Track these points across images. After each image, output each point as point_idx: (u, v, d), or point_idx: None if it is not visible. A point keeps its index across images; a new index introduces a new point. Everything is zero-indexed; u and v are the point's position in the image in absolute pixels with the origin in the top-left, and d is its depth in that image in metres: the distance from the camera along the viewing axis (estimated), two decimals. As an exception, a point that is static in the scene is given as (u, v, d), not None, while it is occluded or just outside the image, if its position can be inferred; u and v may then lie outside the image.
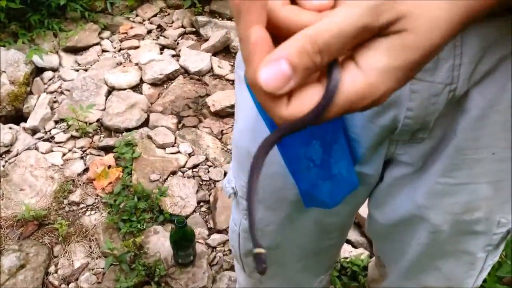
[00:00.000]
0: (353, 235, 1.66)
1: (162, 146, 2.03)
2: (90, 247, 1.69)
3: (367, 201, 0.80)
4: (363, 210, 0.86)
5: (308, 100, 0.32)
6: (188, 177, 1.93)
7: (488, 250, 0.72)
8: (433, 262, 0.76)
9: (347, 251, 1.61)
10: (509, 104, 0.54)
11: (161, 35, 2.72)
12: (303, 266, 0.92)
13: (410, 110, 0.55)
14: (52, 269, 1.64)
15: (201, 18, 2.72)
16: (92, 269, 1.62)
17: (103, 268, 1.61)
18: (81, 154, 2.03)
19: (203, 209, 1.83)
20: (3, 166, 1.96)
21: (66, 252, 1.68)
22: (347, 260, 1.57)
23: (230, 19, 2.81)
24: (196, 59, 2.46)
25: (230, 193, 0.83)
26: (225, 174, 1.92)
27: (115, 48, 2.62)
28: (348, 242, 1.64)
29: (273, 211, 0.77)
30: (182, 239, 1.50)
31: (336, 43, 0.29)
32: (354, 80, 0.31)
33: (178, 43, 2.65)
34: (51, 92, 2.33)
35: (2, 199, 1.83)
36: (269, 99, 0.32)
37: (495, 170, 0.61)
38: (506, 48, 0.50)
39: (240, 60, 0.71)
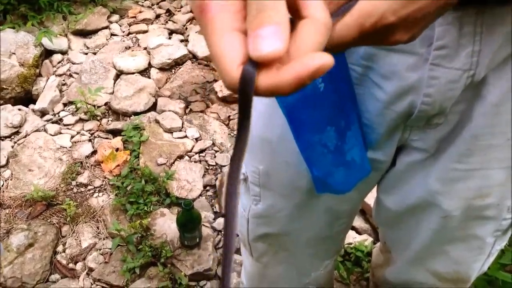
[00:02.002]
0: (357, 221, 1.67)
1: (170, 131, 2.05)
2: (98, 227, 1.72)
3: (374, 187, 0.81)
4: (368, 197, 0.86)
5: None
6: (195, 162, 1.94)
7: (496, 235, 0.73)
8: (442, 247, 0.77)
9: (351, 237, 1.62)
10: None
11: (169, 20, 2.72)
12: (311, 252, 0.93)
13: (428, 96, 0.55)
14: (60, 248, 1.67)
15: (210, 4, 2.71)
16: (100, 249, 1.65)
17: (110, 249, 1.64)
18: (89, 137, 2.05)
19: (209, 193, 1.85)
20: (12, 147, 1.98)
21: (74, 232, 1.70)
22: (351, 246, 1.59)
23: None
24: (205, 44, 2.45)
25: (240, 179, 0.84)
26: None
27: (123, 32, 2.63)
28: (352, 228, 1.66)
29: (285, 198, 0.78)
30: (189, 221, 1.52)
31: None
32: (360, 2, 0.35)
33: (186, 28, 2.65)
34: (60, 75, 2.34)
35: (11, 179, 1.86)
36: None
37: (509, 156, 0.61)
38: None
39: None
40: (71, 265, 1.62)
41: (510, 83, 0.54)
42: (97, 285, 1.56)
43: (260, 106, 0.71)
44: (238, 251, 1.62)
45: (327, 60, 0.28)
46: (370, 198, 1.12)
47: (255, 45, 0.27)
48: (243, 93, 0.28)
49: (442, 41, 0.50)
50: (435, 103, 0.56)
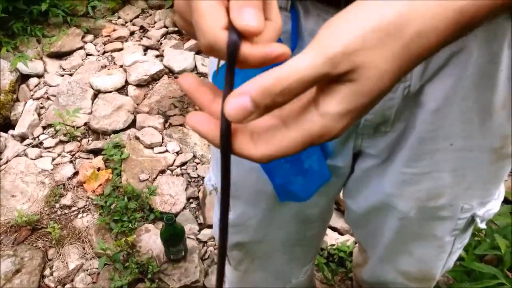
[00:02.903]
0: (339, 222, 1.70)
1: (150, 146, 2.07)
2: (84, 248, 1.73)
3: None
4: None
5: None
6: (177, 175, 1.96)
7: (455, 234, 0.77)
8: (405, 247, 0.81)
9: (333, 238, 1.66)
10: (463, 96, 0.58)
11: (144, 36, 2.74)
12: (287, 257, 0.95)
13: None
14: (47, 272, 1.68)
15: (183, 17, 2.74)
16: (87, 270, 1.66)
17: (97, 268, 1.65)
18: (70, 158, 2.06)
19: (193, 205, 1.87)
20: (-6, 174, 1.99)
21: (60, 254, 1.71)
22: (334, 247, 1.62)
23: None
24: (180, 58, 2.49)
25: (210, 190, 0.87)
26: (212, 170, 1.96)
27: (99, 51, 2.64)
28: (335, 229, 1.69)
29: (253, 205, 0.81)
30: (173, 235, 1.54)
31: (297, 87, 0.32)
32: (313, 122, 0.34)
33: (161, 43, 2.68)
34: (38, 98, 2.35)
35: (-6, 207, 1.86)
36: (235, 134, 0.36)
37: (455, 159, 0.65)
38: (456, 44, 0.53)
39: (212, 62, 0.75)
40: (59, 288, 1.63)
41: (446, 91, 0.57)
42: (86, 305, 1.58)
43: None
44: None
45: (287, 50, 0.33)
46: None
47: (241, 16, 0.31)
48: (231, 56, 0.32)
49: None
50: (377, 112, 0.60)
